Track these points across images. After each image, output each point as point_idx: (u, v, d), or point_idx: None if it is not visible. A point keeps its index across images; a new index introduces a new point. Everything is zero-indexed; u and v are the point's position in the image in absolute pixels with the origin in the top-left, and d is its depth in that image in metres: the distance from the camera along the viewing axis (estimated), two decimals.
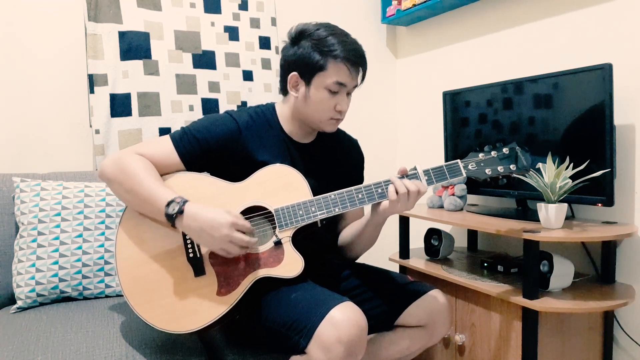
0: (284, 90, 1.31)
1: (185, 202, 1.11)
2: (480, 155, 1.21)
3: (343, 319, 1.05)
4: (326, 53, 1.21)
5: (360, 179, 1.45)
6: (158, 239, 1.18)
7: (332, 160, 1.38)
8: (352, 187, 1.20)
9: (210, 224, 1.09)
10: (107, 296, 1.52)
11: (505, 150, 1.20)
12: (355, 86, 1.28)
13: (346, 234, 1.40)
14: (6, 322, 1.34)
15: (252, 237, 1.14)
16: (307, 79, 1.24)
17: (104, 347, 1.19)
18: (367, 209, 1.27)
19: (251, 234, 1.14)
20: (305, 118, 1.29)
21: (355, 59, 1.23)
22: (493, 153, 1.20)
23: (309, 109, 1.26)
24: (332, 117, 1.26)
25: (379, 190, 1.19)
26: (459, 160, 1.20)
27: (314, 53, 1.21)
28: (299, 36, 1.25)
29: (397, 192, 1.15)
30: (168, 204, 1.10)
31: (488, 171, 1.19)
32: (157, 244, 1.18)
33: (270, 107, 1.34)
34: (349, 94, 1.28)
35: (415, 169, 1.19)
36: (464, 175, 1.19)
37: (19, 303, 1.43)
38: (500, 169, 1.19)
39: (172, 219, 1.11)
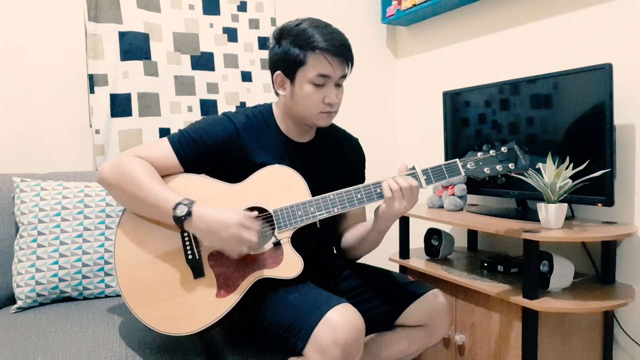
0: (275, 91, 1.31)
1: (192, 203, 1.11)
2: (479, 154, 1.20)
3: (340, 321, 1.05)
4: (304, 46, 1.19)
5: (361, 179, 1.43)
6: (157, 240, 1.18)
7: (331, 159, 1.38)
8: (351, 187, 1.19)
9: (218, 224, 1.09)
10: (107, 296, 1.52)
11: (503, 149, 1.19)
12: (344, 76, 1.25)
13: (350, 237, 1.38)
14: (6, 322, 1.34)
15: (258, 238, 1.14)
16: (291, 75, 1.23)
17: (104, 347, 1.19)
18: (370, 214, 1.25)
19: (258, 233, 1.13)
20: (297, 115, 1.28)
21: (335, 48, 1.19)
22: (492, 152, 1.20)
23: (298, 105, 1.25)
24: (322, 110, 1.24)
25: (378, 190, 1.18)
26: (457, 160, 1.20)
27: (294, 48, 1.20)
28: (280, 35, 1.25)
29: (391, 190, 1.15)
30: (175, 207, 1.10)
31: (487, 170, 1.19)
32: (156, 246, 1.18)
33: (268, 107, 1.34)
34: (338, 85, 1.25)
35: (413, 168, 1.19)
36: (463, 174, 1.19)
37: (19, 303, 1.43)
38: (498, 168, 1.19)
39: (180, 222, 1.10)
